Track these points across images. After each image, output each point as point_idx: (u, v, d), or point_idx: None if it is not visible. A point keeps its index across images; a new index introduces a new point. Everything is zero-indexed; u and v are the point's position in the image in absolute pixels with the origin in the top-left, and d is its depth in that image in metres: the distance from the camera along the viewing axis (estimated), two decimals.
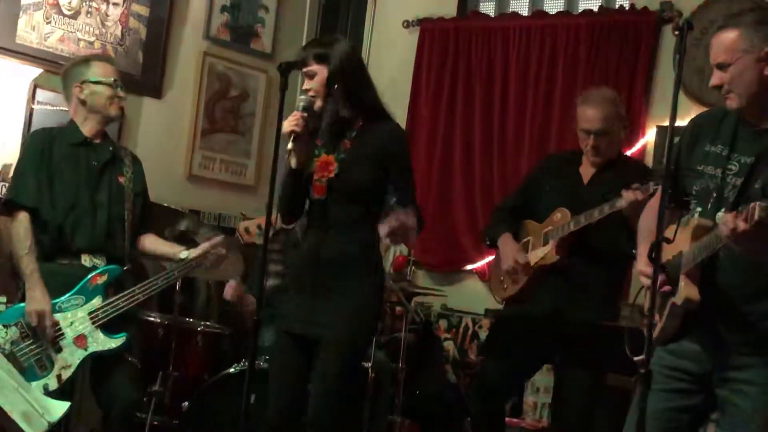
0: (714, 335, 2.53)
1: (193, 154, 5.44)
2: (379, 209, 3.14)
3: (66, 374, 3.43)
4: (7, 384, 3.28)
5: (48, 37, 4.75)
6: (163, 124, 5.29)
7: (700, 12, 4.89)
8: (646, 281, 2.55)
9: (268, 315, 4.27)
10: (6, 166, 4.49)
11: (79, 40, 4.89)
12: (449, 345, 5.50)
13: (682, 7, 4.98)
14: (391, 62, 5.88)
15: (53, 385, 3.40)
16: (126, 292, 3.53)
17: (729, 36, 2.51)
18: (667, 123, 2.32)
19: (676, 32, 2.40)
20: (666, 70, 5.02)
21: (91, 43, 4.93)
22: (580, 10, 5.44)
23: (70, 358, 3.45)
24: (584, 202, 3.69)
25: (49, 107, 4.64)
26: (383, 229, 2.96)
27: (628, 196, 3.40)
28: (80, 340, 3.46)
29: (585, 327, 3.63)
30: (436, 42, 5.77)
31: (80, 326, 3.47)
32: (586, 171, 3.82)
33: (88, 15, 4.92)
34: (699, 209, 2.57)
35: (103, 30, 4.99)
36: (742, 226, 2.25)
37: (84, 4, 4.89)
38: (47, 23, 4.75)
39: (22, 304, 3.43)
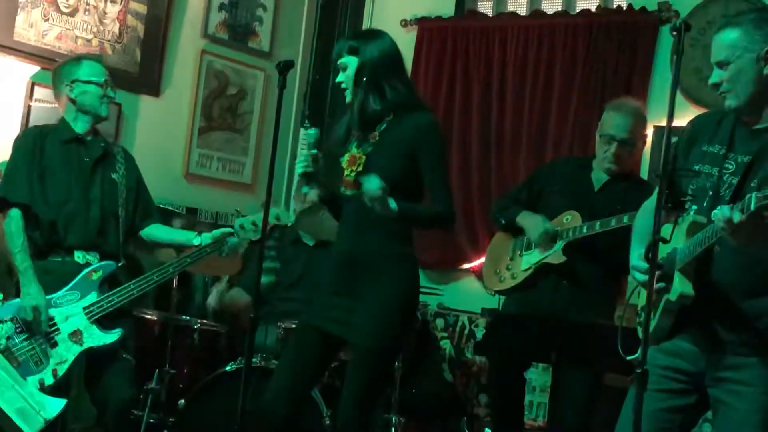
0: (709, 334, 2.52)
1: (190, 152, 5.45)
2: (415, 202, 3.08)
3: (61, 369, 3.43)
4: (3, 381, 3.29)
5: (46, 34, 4.75)
6: (160, 122, 5.29)
7: (698, 12, 4.90)
8: (640, 276, 2.55)
9: (265, 313, 4.29)
10: (4, 164, 4.49)
11: (77, 37, 4.88)
12: (445, 344, 5.51)
13: (679, 8, 4.99)
14: None
15: (49, 380, 3.40)
16: (121, 288, 3.53)
17: (730, 35, 2.51)
18: (664, 123, 2.31)
19: (674, 32, 2.40)
20: (663, 70, 5.02)
21: (89, 40, 4.93)
22: (578, 10, 5.44)
23: (66, 353, 3.45)
24: (594, 208, 3.69)
25: (46, 104, 4.64)
26: None
27: None
28: (75, 335, 3.46)
29: (583, 327, 3.63)
30: (434, 41, 5.77)
31: (75, 321, 3.48)
32: (598, 178, 3.82)
33: (86, 12, 4.92)
34: (695, 208, 2.57)
35: (101, 27, 4.99)
36: (738, 216, 2.24)
37: (82, 1, 4.89)
38: (45, 20, 4.75)
39: (17, 300, 3.44)
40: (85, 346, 3.47)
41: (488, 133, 5.54)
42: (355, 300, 3.06)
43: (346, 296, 3.08)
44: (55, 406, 3.32)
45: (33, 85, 4.69)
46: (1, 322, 3.41)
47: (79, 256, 3.56)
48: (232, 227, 3.70)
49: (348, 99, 3.13)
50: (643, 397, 2.28)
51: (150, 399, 4.10)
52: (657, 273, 2.43)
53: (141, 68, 5.17)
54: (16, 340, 3.41)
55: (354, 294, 3.06)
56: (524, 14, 5.63)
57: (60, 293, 3.49)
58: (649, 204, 2.76)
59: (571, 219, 3.74)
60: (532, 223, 3.80)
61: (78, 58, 3.74)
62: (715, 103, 2.68)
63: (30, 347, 3.42)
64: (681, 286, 2.47)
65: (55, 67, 3.73)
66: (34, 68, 4.70)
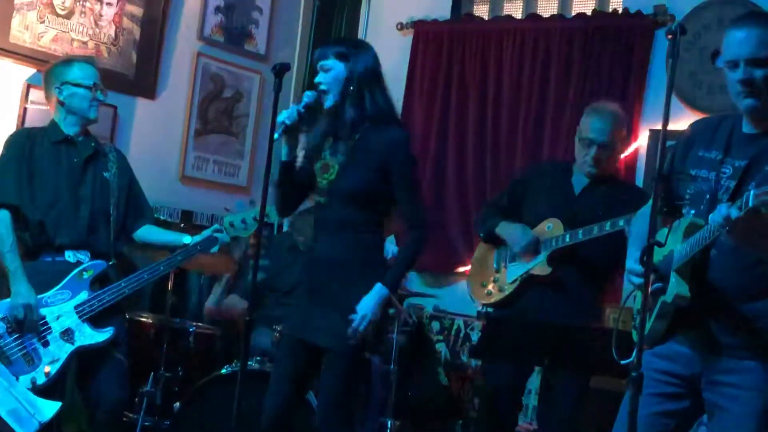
0: (705, 337, 2.51)
1: (186, 155, 5.44)
2: (385, 212, 3.15)
3: (53, 369, 3.42)
4: None
5: (41, 36, 4.75)
6: (156, 125, 5.29)
7: (693, 16, 4.91)
8: (636, 280, 2.54)
9: (261, 316, 4.29)
10: None
11: (73, 40, 4.88)
12: (441, 347, 5.50)
13: (675, 11, 5.00)
14: (384, 64, 5.75)
15: (41, 379, 3.40)
16: (112, 286, 3.53)
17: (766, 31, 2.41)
18: (659, 127, 2.30)
19: (669, 36, 2.40)
20: (659, 73, 5.03)
21: (85, 43, 4.93)
22: (573, 14, 5.45)
23: (58, 352, 3.44)
24: (575, 213, 3.68)
25: (42, 107, 4.57)
26: None
27: None
28: (67, 334, 3.46)
29: (573, 330, 3.63)
30: (430, 44, 5.78)
31: (67, 320, 3.48)
32: (578, 182, 3.82)
33: (82, 15, 4.92)
34: (692, 212, 2.57)
35: (97, 30, 4.98)
36: (735, 213, 2.24)
37: (78, 4, 4.89)
38: (41, 23, 4.75)
39: (8, 300, 3.44)
40: (77, 344, 3.46)
41: (484, 137, 5.55)
42: (324, 306, 3.10)
43: (314, 302, 3.13)
44: (49, 408, 3.31)
45: (29, 87, 4.68)
46: None
47: (69, 255, 3.55)
48: (221, 224, 3.70)
49: (327, 104, 3.14)
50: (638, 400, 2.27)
51: (145, 402, 4.10)
52: (652, 276, 2.42)
53: (137, 71, 5.16)
54: (8, 340, 3.41)
55: (322, 299, 3.11)
56: (520, 18, 5.64)
57: (51, 292, 3.49)
58: (647, 209, 2.74)
59: (552, 227, 3.71)
60: (513, 234, 3.80)
61: (69, 60, 3.73)
62: (710, 107, 2.67)
63: (21, 346, 3.41)
64: (677, 287, 2.46)
65: (47, 69, 3.73)
66: (29, 70, 4.69)
